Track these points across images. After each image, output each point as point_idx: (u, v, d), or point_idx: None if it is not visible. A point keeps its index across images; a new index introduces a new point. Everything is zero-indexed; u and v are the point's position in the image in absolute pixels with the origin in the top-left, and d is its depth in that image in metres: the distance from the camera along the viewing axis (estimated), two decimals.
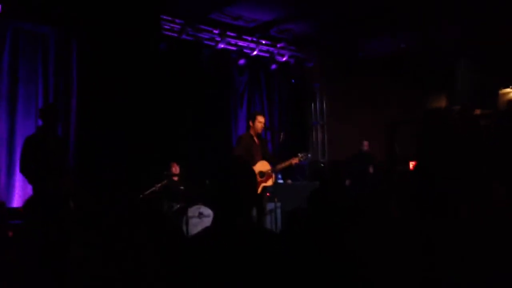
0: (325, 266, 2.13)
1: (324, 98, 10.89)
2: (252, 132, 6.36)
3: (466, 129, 4.55)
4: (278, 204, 6.72)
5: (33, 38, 7.15)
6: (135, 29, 7.28)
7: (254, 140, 6.32)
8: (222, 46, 9.06)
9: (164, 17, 8.18)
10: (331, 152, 10.61)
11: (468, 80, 8.31)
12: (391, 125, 9.70)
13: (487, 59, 7.91)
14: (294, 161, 6.54)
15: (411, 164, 7.01)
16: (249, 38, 9.40)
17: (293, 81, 10.45)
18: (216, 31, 8.91)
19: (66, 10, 6.94)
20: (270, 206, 6.67)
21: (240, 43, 9.34)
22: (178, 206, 6.95)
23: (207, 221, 6.62)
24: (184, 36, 8.53)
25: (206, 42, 8.90)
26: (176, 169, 7.46)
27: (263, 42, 9.60)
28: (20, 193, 6.66)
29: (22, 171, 5.30)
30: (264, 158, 6.32)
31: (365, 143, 9.36)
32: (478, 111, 5.02)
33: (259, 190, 6.17)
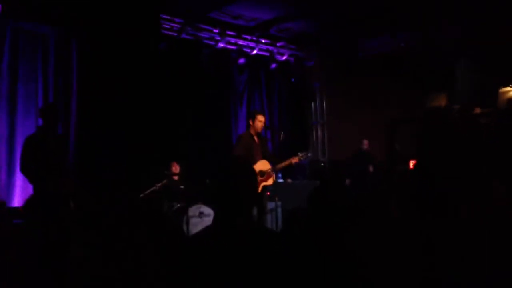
0: (325, 266, 2.13)
1: (324, 97, 10.89)
2: (252, 131, 6.35)
3: (466, 128, 4.55)
4: (279, 203, 6.73)
5: (33, 38, 7.15)
6: (134, 29, 7.28)
7: (254, 139, 6.32)
8: (222, 45, 9.06)
9: (164, 16, 8.18)
10: (331, 151, 10.62)
11: (468, 80, 8.31)
12: (391, 125, 9.70)
13: (487, 59, 7.91)
14: (294, 160, 6.53)
15: (411, 163, 7.01)
16: (249, 37, 9.39)
17: (293, 80, 10.45)
18: (215, 30, 8.90)
19: (66, 10, 6.94)
20: (270, 205, 6.68)
21: (240, 42, 9.34)
22: (178, 205, 6.95)
23: (207, 221, 6.62)
24: (183, 36, 8.53)
25: (205, 41, 8.89)
26: (176, 168, 7.46)
27: (263, 41, 9.59)
28: (20, 192, 6.66)
29: (22, 170, 5.30)
30: (264, 157, 6.32)
31: (365, 142, 9.37)
32: (478, 110, 5.01)
33: (260, 189, 6.18)
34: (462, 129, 4.48)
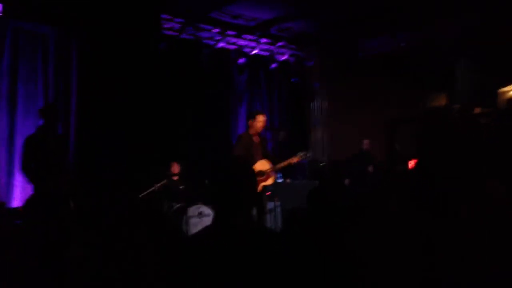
0: (325, 266, 2.13)
1: (324, 97, 10.88)
2: (251, 131, 6.35)
3: (466, 128, 4.55)
4: (278, 203, 6.73)
5: (33, 38, 7.15)
6: (134, 29, 7.29)
7: (253, 139, 6.32)
8: (222, 45, 9.06)
9: (164, 16, 8.18)
10: (331, 151, 10.61)
11: (468, 80, 8.31)
12: (391, 125, 9.70)
13: (487, 59, 7.91)
14: (294, 160, 6.53)
15: (410, 163, 7.01)
16: (249, 37, 9.39)
17: (293, 80, 10.44)
18: (215, 30, 8.90)
19: (66, 10, 6.93)
20: (270, 205, 6.68)
21: (240, 42, 9.34)
22: (178, 205, 6.96)
23: (207, 221, 6.63)
24: (183, 35, 8.53)
25: (205, 41, 8.89)
26: (176, 168, 7.46)
27: (263, 41, 9.59)
28: (20, 192, 6.67)
29: (23, 170, 5.31)
30: (264, 157, 6.32)
31: (366, 141, 9.36)
32: (478, 110, 5.01)
33: (259, 189, 6.18)
34: (462, 129, 4.48)
